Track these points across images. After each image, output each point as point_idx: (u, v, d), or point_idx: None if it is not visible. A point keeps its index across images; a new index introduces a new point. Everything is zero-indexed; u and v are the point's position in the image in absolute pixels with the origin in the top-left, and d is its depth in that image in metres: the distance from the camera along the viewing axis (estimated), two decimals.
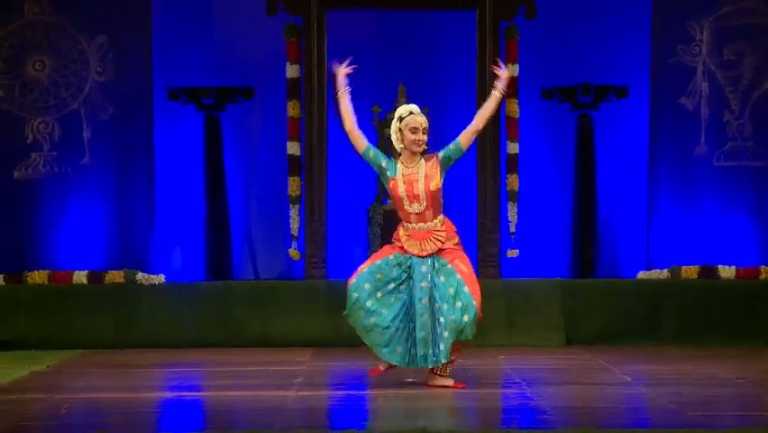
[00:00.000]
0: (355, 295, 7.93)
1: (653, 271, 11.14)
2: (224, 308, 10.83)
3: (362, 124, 11.80)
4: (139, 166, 11.28)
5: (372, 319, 7.93)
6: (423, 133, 7.97)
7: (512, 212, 11.40)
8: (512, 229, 11.43)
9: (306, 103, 11.33)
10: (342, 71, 8.14)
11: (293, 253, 11.39)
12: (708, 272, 11.03)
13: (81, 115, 11.24)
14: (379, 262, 7.98)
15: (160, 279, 11.01)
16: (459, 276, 7.89)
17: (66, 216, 11.22)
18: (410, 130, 7.96)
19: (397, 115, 8.06)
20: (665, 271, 11.10)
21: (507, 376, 8.75)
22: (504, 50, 11.30)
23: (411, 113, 7.99)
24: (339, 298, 10.62)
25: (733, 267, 11.03)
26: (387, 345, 7.93)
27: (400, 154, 8.05)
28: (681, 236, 11.27)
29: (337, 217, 11.82)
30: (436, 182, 7.94)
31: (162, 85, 11.64)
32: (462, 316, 7.81)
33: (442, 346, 7.86)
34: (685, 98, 11.31)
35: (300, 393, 7.79)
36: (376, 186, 11.50)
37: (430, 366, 7.95)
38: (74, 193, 11.22)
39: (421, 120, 7.98)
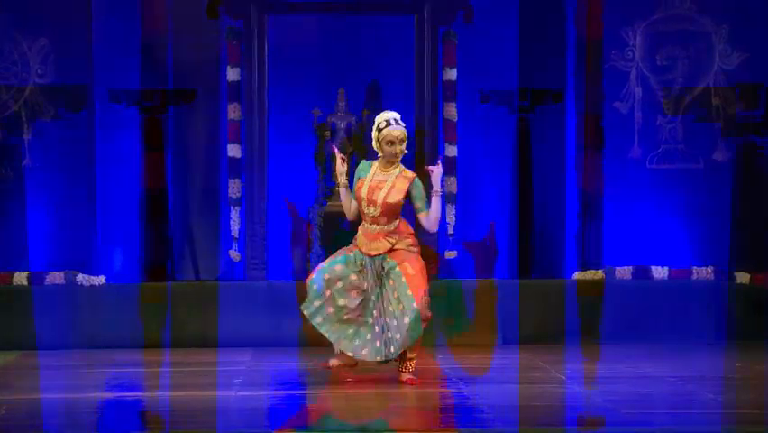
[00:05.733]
0: (315, 287, 8.02)
1: (587, 271, 11.23)
2: (164, 309, 10.80)
3: (302, 128, 11.92)
4: (80, 168, 11.24)
5: (331, 309, 8.04)
6: (399, 144, 8.03)
7: (450, 214, 11.52)
8: (450, 231, 11.54)
9: (247, 105, 11.36)
10: (340, 160, 8.15)
11: (233, 254, 11.41)
12: (642, 273, 11.15)
13: (22, 117, 11.21)
14: (339, 258, 8.09)
15: (100, 280, 10.97)
16: (404, 279, 8.00)
17: (6, 217, 11.16)
18: (387, 143, 8.03)
19: (376, 122, 8.11)
20: (600, 271, 11.21)
21: (444, 375, 8.79)
22: (442, 55, 11.43)
23: (388, 124, 8.04)
24: (279, 299, 10.77)
25: (666, 268, 11.14)
26: (345, 336, 8.04)
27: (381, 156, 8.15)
28: (616, 238, 11.38)
29: (277, 219, 11.84)
30: (397, 199, 8.04)
31: (104, 87, 11.62)
32: (403, 318, 7.95)
33: (392, 348, 7.99)
34: (619, 102, 11.45)
35: (241, 393, 7.81)
36: (316, 188, 11.56)
37: (379, 359, 8.05)
38: (15, 195, 11.14)
39: (397, 133, 8.01)
